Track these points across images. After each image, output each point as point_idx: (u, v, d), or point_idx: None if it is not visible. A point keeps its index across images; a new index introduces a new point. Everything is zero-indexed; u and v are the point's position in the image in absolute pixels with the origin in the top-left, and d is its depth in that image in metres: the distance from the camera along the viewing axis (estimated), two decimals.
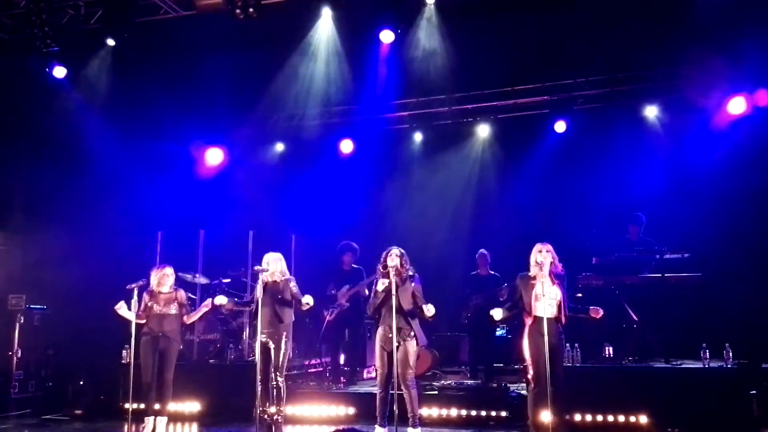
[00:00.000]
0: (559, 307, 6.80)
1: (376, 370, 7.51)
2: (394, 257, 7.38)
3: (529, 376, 6.76)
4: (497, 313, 6.89)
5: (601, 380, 8.21)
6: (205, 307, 8.44)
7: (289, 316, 7.91)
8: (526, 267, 6.99)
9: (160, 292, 8.28)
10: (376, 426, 7.40)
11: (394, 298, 7.15)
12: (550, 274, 6.84)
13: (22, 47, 10.32)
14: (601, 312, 7.07)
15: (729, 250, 9.94)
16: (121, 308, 7.98)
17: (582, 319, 7.59)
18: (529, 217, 11.04)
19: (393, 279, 7.23)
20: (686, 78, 10.61)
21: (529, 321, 6.80)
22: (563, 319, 6.84)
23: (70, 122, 11.00)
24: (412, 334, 7.37)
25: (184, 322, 8.51)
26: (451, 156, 12.38)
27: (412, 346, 7.36)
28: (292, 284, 7.92)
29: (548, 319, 6.65)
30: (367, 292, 9.97)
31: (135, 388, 8.00)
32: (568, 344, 8.27)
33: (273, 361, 7.81)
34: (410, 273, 7.45)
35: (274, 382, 7.78)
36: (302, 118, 12.41)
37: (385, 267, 7.36)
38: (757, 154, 10.12)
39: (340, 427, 7.98)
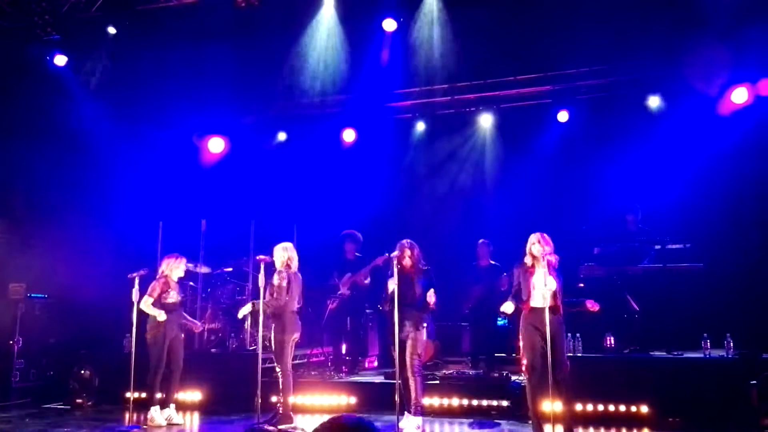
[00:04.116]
0: (554, 296, 6.70)
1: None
2: (406, 257, 7.53)
3: (524, 367, 6.72)
4: (508, 307, 6.87)
5: (603, 370, 8.21)
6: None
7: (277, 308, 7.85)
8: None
9: (171, 281, 8.32)
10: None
11: (408, 292, 7.43)
12: (547, 265, 6.78)
13: (22, 35, 10.29)
14: (598, 306, 7.08)
15: (731, 241, 9.93)
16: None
17: (582, 309, 7.61)
18: (532, 206, 11.00)
19: (409, 273, 7.51)
20: (689, 67, 10.53)
21: (524, 311, 6.78)
22: (560, 308, 6.78)
23: (71, 111, 10.96)
24: (425, 325, 7.50)
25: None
26: (454, 145, 12.35)
27: (422, 335, 7.47)
28: (277, 277, 7.89)
29: (544, 308, 6.60)
30: (366, 281, 9.97)
31: (141, 377, 8.08)
32: (569, 334, 8.27)
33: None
34: (424, 269, 7.62)
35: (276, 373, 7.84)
36: (305, 107, 12.37)
37: (400, 264, 7.47)
38: (760, 144, 10.07)
39: (362, 415, 7.98)
